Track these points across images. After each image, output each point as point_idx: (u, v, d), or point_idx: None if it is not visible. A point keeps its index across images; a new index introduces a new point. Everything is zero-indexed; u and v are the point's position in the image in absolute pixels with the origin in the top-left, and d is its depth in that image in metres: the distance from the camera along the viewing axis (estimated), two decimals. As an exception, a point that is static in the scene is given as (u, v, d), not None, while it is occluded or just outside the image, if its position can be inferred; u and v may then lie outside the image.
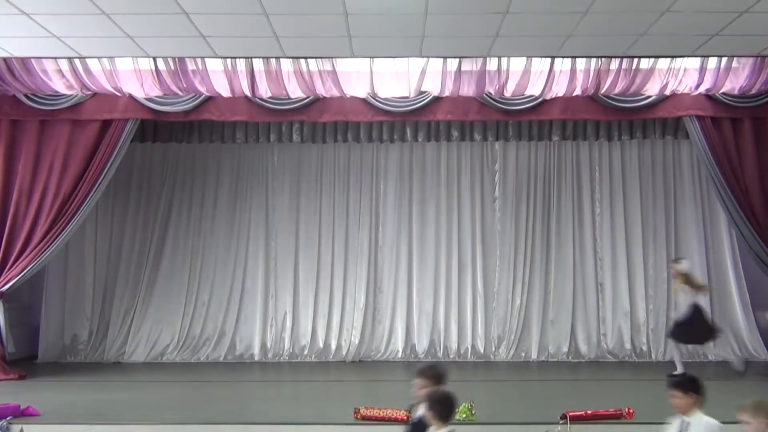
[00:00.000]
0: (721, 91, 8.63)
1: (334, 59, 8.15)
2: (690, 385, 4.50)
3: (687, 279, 8.41)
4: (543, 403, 6.39)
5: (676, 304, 8.78)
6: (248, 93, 8.56)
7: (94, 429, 6.06)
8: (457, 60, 8.20)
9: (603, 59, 8.18)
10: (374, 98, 8.77)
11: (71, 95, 8.64)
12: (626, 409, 6.12)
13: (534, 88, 8.57)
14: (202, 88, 8.50)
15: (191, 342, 10.01)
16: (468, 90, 8.56)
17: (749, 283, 9.96)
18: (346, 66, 8.32)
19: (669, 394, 4.43)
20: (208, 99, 8.78)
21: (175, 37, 7.23)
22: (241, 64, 8.25)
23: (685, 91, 8.66)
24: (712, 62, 8.27)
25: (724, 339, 9.76)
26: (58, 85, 8.47)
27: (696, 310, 8.30)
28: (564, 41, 7.38)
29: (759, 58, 8.14)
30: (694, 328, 8.33)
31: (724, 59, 8.24)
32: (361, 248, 10.34)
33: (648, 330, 10.03)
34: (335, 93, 8.62)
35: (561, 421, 5.79)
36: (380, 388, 7.36)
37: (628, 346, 9.97)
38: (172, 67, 8.19)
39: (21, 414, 6.18)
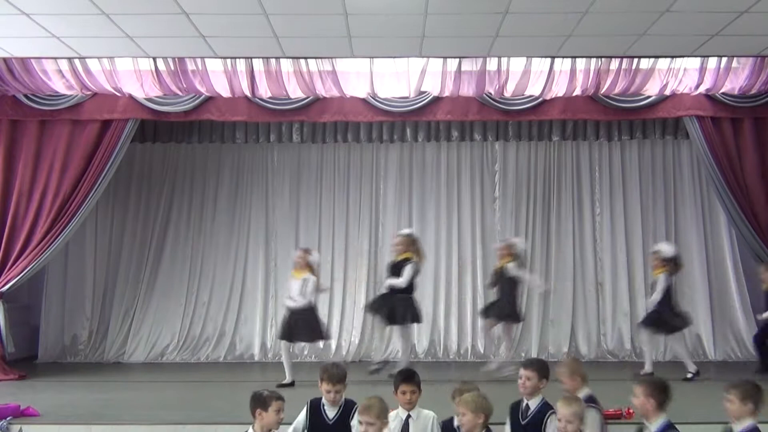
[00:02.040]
0: (721, 91, 8.62)
1: (334, 59, 8.15)
2: (418, 379, 4.64)
3: None
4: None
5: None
6: (248, 93, 8.56)
7: (94, 429, 6.06)
8: (457, 60, 8.20)
9: (603, 59, 8.17)
10: (374, 98, 8.77)
11: (71, 95, 8.64)
12: (626, 410, 6.11)
13: (534, 88, 8.57)
14: (202, 88, 8.49)
15: (191, 342, 10.01)
16: (468, 90, 8.57)
17: (749, 283, 9.95)
18: (346, 66, 8.32)
19: (409, 390, 4.54)
20: (208, 99, 8.77)
21: (175, 37, 7.23)
22: (241, 64, 8.24)
23: (685, 91, 8.65)
24: (712, 62, 8.26)
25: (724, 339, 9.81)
26: (58, 85, 8.46)
27: None
28: (564, 41, 7.38)
29: (759, 58, 8.14)
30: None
31: (724, 59, 8.23)
32: (361, 248, 10.33)
33: (648, 330, 10.04)
34: (335, 93, 8.62)
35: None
36: (380, 388, 7.35)
37: (628, 346, 9.97)
38: (172, 68, 8.18)
39: (21, 414, 6.17)
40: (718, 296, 10.01)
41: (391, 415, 4.59)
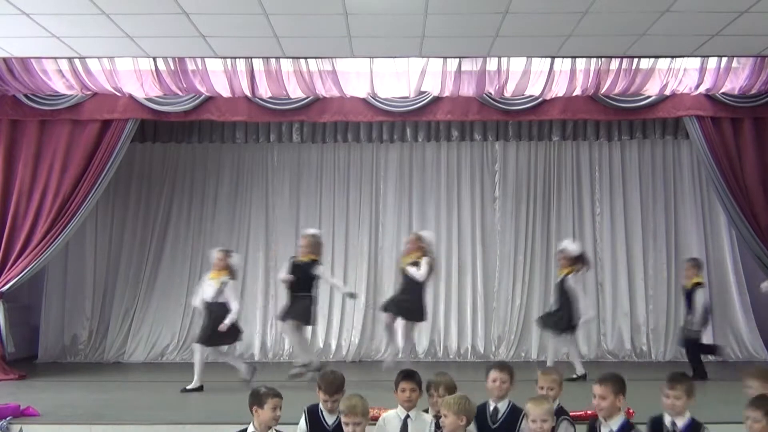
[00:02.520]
0: (721, 91, 8.62)
1: (334, 59, 8.15)
2: (419, 379, 4.59)
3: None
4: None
5: None
6: (248, 93, 8.56)
7: (94, 429, 6.06)
8: (457, 60, 8.20)
9: (603, 59, 8.17)
10: (374, 98, 8.77)
11: (71, 95, 8.64)
12: (626, 410, 6.10)
13: (534, 88, 8.57)
14: (202, 88, 8.49)
15: (191, 342, 9.99)
16: (468, 90, 8.57)
17: (749, 283, 9.96)
18: (346, 66, 8.32)
19: (409, 389, 4.50)
20: (208, 99, 8.77)
21: (175, 37, 7.23)
22: (241, 64, 8.24)
23: (685, 91, 8.65)
24: (712, 62, 8.26)
25: (724, 339, 9.79)
26: (58, 85, 8.46)
27: None
28: (564, 41, 7.38)
29: (759, 58, 8.14)
30: None
31: (724, 59, 8.23)
32: (361, 248, 10.33)
33: (648, 330, 10.05)
34: (335, 93, 8.62)
35: (561, 421, 5.77)
36: (380, 388, 7.35)
37: (628, 346, 9.98)
38: (172, 67, 8.18)
39: (21, 414, 6.15)
40: (718, 296, 10.00)
41: (390, 414, 4.59)
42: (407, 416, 4.48)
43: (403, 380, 4.56)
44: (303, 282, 7.82)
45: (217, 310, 7.62)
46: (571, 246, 8.37)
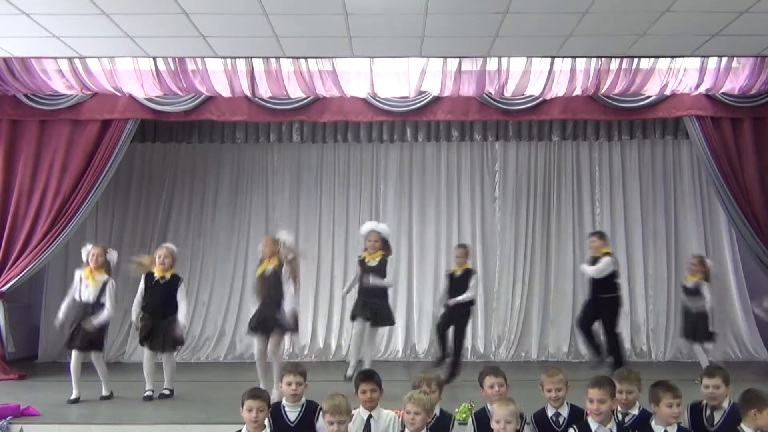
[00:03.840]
0: (721, 91, 8.62)
1: (334, 59, 8.16)
2: (378, 379, 4.59)
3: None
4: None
5: None
6: (248, 93, 8.56)
7: (94, 429, 6.06)
8: (457, 60, 8.20)
9: (603, 59, 8.17)
10: (374, 98, 8.78)
11: (71, 95, 8.64)
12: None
13: (534, 88, 8.57)
14: (202, 88, 8.50)
15: (191, 342, 9.99)
16: (468, 90, 8.57)
17: (749, 283, 9.96)
18: (346, 66, 8.32)
19: (369, 389, 4.49)
20: (208, 99, 8.78)
21: (175, 37, 7.23)
22: (241, 64, 8.24)
23: (685, 91, 8.65)
24: (712, 62, 8.26)
25: (724, 339, 9.78)
26: (58, 85, 8.47)
27: None
28: (564, 41, 7.38)
29: (759, 58, 8.14)
30: None
31: (724, 59, 8.23)
32: (362, 248, 10.31)
33: (648, 330, 10.05)
34: (335, 93, 8.62)
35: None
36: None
37: (627, 346, 9.94)
38: (172, 67, 8.18)
39: (21, 414, 6.17)
40: (718, 296, 9.94)
41: (354, 413, 4.59)
42: (369, 416, 4.48)
43: (362, 382, 4.55)
44: None
45: (106, 317, 6.98)
46: (381, 227, 7.83)
